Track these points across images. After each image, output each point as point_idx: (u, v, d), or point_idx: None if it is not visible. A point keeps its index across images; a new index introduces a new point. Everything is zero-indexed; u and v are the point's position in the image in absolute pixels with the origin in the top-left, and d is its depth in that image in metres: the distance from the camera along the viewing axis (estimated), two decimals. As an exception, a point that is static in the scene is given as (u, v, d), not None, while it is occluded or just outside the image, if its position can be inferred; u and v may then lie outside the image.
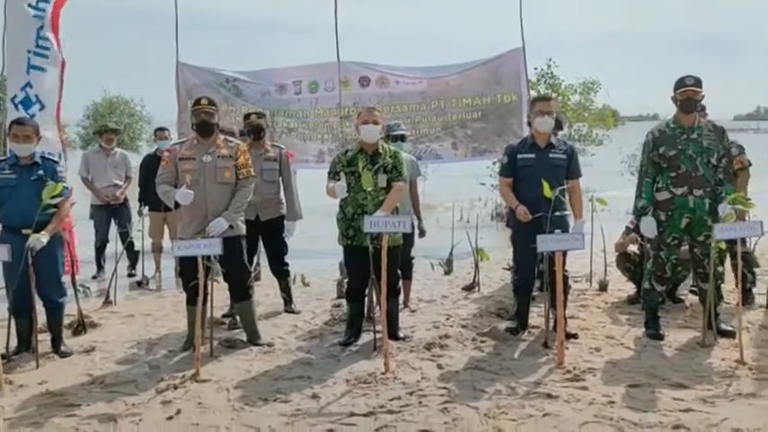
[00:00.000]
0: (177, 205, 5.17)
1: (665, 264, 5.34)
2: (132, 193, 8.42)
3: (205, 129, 5.18)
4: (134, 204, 8.33)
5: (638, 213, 5.36)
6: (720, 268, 5.27)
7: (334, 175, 5.25)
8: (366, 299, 5.62)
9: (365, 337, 5.35)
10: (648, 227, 5.25)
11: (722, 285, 5.34)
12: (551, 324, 5.14)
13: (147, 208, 8.00)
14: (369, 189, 5.13)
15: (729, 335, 5.11)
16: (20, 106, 6.86)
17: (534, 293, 5.83)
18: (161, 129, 8.45)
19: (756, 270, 7.60)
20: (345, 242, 5.35)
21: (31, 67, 6.96)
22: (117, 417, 3.98)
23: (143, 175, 7.93)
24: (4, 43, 6.97)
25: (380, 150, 5.27)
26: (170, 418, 3.97)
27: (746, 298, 5.94)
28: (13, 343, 5.13)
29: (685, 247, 5.42)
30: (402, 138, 6.35)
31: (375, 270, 5.04)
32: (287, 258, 6.45)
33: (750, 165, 6.28)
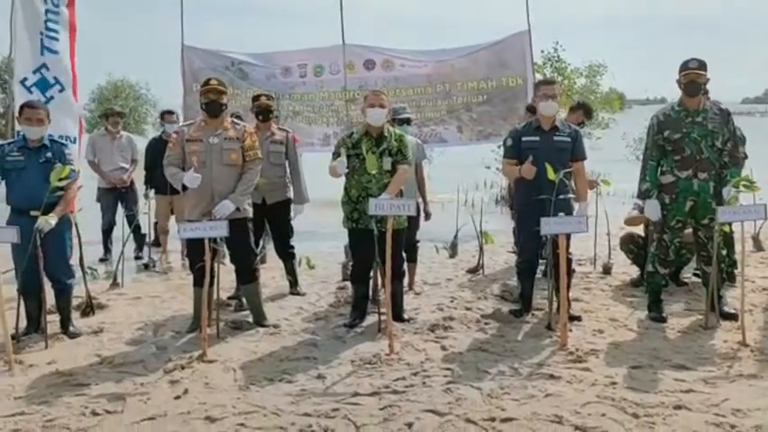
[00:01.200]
0: (185, 187, 5.21)
1: (669, 247, 5.36)
2: (138, 176, 8.46)
3: (214, 108, 5.19)
4: (140, 187, 8.38)
5: (643, 196, 5.37)
6: (724, 251, 5.30)
7: (337, 155, 5.27)
8: (371, 281, 5.67)
9: (370, 319, 5.40)
10: (653, 210, 5.27)
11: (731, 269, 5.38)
12: (555, 306, 5.17)
13: (153, 191, 8.05)
14: (373, 172, 5.14)
15: (732, 317, 5.14)
16: (34, 89, 6.87)
17: (538, 276, 5.86)
18: (168, 112, 8.48)
19: (762, 254, 7.66)
20: (350, 225, 5.37)
21: (46, 49, 6.97)
22: (125, 396, 4.04)
23: (149, 158, 7.97)
24: (11, 27, 6.99)
25: (386, 134, 5.28)
26: (177, 397, 4.03)
27: (730, 278, 6.20)
28: (23, 324, 5.20)
29: (689, 231, 5.44)
30: (408, 121, 6.38)
31: (380, 252, 5.08)
32: (292, 241, 6.50)
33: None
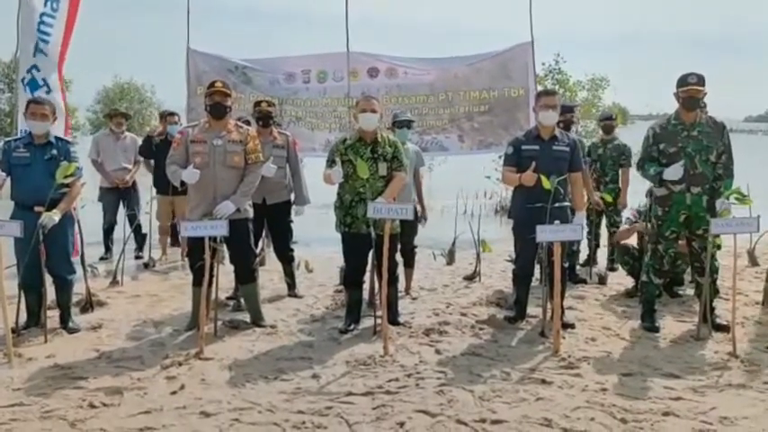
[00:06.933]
0: (182, 184, 5.28)
1: (664, 257, 5.41)
2: (141, 177, 8.54)
3: (218, 110, 5.25)
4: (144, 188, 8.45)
5: (658, 175, 5.25)
6: (717, 263, 5.36)
7: (331, 162, 5.30)
8: (368, 284, 5.72)
9: (366, 322, 5.45)
10: (676, 171, 5.16)
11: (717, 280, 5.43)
12: (549, 314, 5.22)
13: (154, 190, 8.14)
14: (365, 177, 5.15)
15: (724, 329, 5.19)
16: (27, 88, 6.95)
17: (534, 284, 5.91)
18: (170, 113, 8.52)
19: (757, 268, 7.71)
20: (343, 229, 5.40)
21: (39, 51, 7.05)
22: (123, 390, 4.11)
23: (148, 154, 8.20)
24: (18, 26, 7.06)
25: (379, 139, 5.34)
26: (174, 392, 4.10)
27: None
28: (23, 318, 5.27)
29: (683, 241, 5.49)
30: (408, 124, 6.39)
31: (375, 256, 5.13)
32: (291, 244, 6.57)
33: None
